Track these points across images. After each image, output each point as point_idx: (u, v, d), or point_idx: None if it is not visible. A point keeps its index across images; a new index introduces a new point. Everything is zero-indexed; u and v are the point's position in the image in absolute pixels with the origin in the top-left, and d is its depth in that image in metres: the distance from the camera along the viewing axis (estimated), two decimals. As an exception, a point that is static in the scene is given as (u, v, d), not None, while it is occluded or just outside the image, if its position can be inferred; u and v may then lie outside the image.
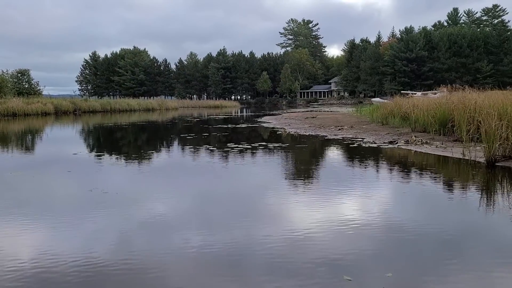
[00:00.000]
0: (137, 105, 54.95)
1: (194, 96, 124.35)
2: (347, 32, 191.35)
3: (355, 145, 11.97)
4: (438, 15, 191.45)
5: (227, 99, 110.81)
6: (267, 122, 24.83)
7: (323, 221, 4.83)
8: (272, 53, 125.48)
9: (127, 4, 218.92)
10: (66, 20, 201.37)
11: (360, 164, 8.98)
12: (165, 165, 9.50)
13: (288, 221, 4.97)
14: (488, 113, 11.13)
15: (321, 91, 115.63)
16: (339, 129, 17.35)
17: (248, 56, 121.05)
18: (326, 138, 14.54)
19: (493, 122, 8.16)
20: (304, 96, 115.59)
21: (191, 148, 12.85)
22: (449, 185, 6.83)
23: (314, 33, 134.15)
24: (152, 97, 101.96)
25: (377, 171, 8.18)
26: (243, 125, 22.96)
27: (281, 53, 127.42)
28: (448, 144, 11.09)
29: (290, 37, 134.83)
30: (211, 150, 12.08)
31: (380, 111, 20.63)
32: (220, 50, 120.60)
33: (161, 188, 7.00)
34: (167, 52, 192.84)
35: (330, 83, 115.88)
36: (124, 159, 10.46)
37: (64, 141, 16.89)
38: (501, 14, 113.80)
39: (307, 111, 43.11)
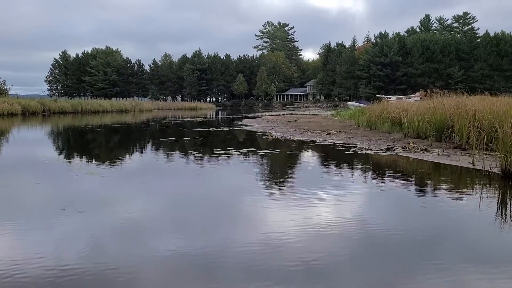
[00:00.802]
0: (110, 106, 53.08)
1: (169, 97, 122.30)
2: (322, 36, 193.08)
3: (350, 152, 11.23)
4: (411, 21, 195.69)
5: (202, 101, 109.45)
6: (249, 126, 23.95)
7: (336, 235, 4.00)
8: (248, 56, 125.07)
9: (101, 3, 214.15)
10: (36, 18, 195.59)
11: (362, 174, 8.22)
12: (149, 177, 8.44)
13: (307, 238, 4.11)
14: (488, 119, 10.66)
15: (297, 94, 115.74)
16: (327, 134, 16.64)
17: (224, 58, 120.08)
18: (316, 143, 13.77)
19: (509, 129, 7.54)
20: (280, 99, 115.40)
21: (174, 155, 11.85)
22: (466, 199, 6.12)
23: (290, 36, 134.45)
24: (125, 98, 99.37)
25: (383, 182, 7.42)
26: (225, 129, 22.01)
27: (257, 55, 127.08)
28: (450, 151, 10.49)
29: (266, 39, 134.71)
30: (197, 157, 11.12)
31: (366, 116, 20.08)
32: (196, 51, 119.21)
33: (149, 207, 6.01)
34: (141, 52, 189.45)
35: (306, 87, 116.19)
36: (102, 167, 9.36)
37: (31, 144, 15.54)
38: (471, 21, 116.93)
39: (286, 114, 42.50)
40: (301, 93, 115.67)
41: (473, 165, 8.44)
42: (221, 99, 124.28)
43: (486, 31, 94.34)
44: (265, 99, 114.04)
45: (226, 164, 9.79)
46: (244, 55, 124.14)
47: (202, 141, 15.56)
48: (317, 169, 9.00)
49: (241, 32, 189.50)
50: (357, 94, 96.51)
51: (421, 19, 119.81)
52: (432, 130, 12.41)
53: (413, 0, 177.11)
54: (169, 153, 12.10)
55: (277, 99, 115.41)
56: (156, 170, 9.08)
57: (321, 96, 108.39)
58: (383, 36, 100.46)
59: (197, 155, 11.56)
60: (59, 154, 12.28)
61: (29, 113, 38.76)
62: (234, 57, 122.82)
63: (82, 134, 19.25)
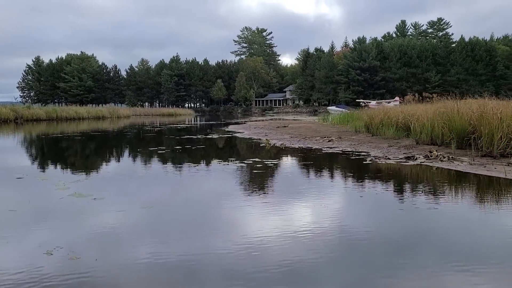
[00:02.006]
0: (86, 113, 50.89)
1: (146, 103, 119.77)
2: (299, 42, 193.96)
3: (368, 162, 10.10)
4: (386, 27, 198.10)
5: (180, 106, 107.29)
6: (239, 132, 22.66)
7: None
8: (227, 61, 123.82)
9: (75, 8, 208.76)
10: (8, 23, 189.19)
11: (402, 191, 7.07)
12: (154, 198, 7.09)
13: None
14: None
15: (276, 99, 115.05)
16: (328, 141, 15.52)
17: (202, 63, 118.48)
18: (323, 151, 12.60)
19: None
20: (259, 104, 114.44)
21: (175, 168, 10.47)
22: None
23: (268, 42, 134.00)
24: (101, 105, 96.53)
25: (433, 199, 6.28)
26: (215, 136, 20.64)
27: (236, 61, 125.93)
28: (481, 160, 9.48)
29: (245, 45, 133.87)
30: (202, 170, 9.80)
31: (363, 120, 19.09)
32: (173, 57, 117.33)
33: (164, 248, 4.68)
34: (117, 58, 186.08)
35: (285, 92, 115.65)
36: (90, 185, 7.92)
37: (2, 156, 13.85)
38: (445, 27, 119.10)
39: (271, 120, 41.35)
40: (280, 98, 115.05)
41: (522, 177, 7.42)
42: (199, 105, 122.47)
43: (461, 36, 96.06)
44: (244, 105, 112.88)
45: (241, 178, 8.50)
46: (222, 61, 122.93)
47: (196, 150, 14.18)
48: (347, 185, 7.79)
49: (219, 38, 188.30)
50: (336, 99, 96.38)
51: (397, 25, 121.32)
52: (452, 137, 11.42)
53: (388, 6, 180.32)
54: (168, 166, 10.72)
55: (256, 105, 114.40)
56: (159, 189, 7.71)
57: (301, 101, 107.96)
58: (361, 41, 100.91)
59: (200, 167, 10.23)
60: (37, 168, 10.73)
61: (0, 121, 36.47)
62: (212, 62, 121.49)
63: (59, 143, 17.57)
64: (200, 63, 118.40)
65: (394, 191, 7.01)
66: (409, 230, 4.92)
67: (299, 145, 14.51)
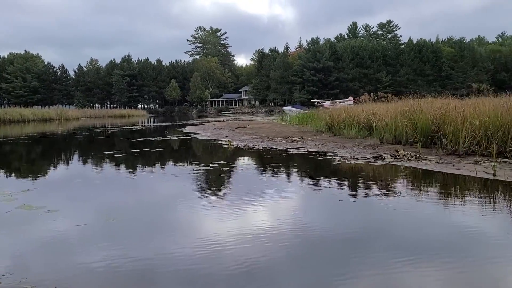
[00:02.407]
0: (32, 115, 48.15)
1: (96, 105, 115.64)
2: (254, 42, 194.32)
3: (337, 162, 9.88)
4: (338, 28, 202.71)
5: (133, 108, 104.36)
6: (198, 133, 22.01)
7: None
8: (181, 61, 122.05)
9: (18, 5, 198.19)
10: None
11: (373, 191, 6.84)
12: (118, 210, 6.43)
13: None
14: (482, 122, 9.86)
15: (232, 100, 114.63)
16: (292, 141, 15.27)
17: (156, 63, 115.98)
18: (289, 152, 12.30)
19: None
20: (214, 105, 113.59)
21: (136, 173, 9.77)
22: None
23: (222, 42, 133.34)
24: (47, 106, 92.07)
25: (406, 198, 6.08)
26: (173, 138, 19.87)
27: (190, 61, 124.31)
28: (449, 159, 9.50)
29: (199, 45, 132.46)
30: (167, 175, 9.19)
31: (324, 120, 19.05)
32: (125, 56, 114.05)
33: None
34: (65, 58, 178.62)
35: (241, 92, 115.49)
36: (41, 195, 7.13)
37: None
38: (394, 29, 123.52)
39: (229, 120, 40.84)
40: (236, 99, 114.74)
41: (493, 176, 7.42)
42: (153, 106, 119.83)
43: (409, 38, 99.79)
44: (199, 105, 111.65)
45: (205, 181, 7.97)
46: (176, 61, 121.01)
47: (155, 153, 13.46)
48: (318, 187, 7.47)
49: (172, 37, 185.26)
50: (291, 99, 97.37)
51: (349, 26, 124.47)
52: (417, 136, 11.46)
53: (339, 8, 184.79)
54: (126, 171, 9.98)
55: (212, 105, 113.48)
56: (119, 196, 7.04)
57: (256, 101, 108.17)
58: (315, 42, 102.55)
59: (161, 171, 9.61)
60: (-22, 176, 9.66)
61: None
62: (166, 62, 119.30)
63: (3, 148, 16.21)
64: (153, 63, 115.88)
65: (365, 192, 6.77)
66: (372, 228, 4.87)
67: (263, 146, 14.15)
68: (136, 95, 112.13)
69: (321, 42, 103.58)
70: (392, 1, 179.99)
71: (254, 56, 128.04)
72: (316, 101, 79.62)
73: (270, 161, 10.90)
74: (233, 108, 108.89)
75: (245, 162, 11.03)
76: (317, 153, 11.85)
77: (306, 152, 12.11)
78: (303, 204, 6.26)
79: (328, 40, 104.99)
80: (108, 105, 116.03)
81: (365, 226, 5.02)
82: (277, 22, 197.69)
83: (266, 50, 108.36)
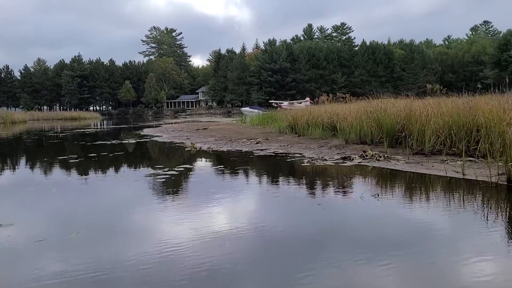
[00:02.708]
0: (-26, 118, 45.14)
1: (45, 107, 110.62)
2: (210, 43, 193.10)
3: (306, 164, 9.68)
4: (293, 30, 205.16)
5: (85, 110, 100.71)
6: (157, 136, 21.28)
7: None
8: (135, 62, 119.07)
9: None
10: None
11: (352, 193, 6.67)
12: (83, 225, 5.86)
13: None
14: (446, 121, 9.99)
15: (188, 101, 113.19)
16: (256, 143, 14.99)
17: (108, 64, 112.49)
18: (255, 154, 12.00)
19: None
20: (171, 106, 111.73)
21: (96, 179, 9.11)
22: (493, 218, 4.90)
23: (178, 42, 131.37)
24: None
25: (385, 204, 5.95)
26: (131, 141, 19.04)
27: (145, 61, 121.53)
28: (416, 158, 9.54)
29: (153, 45, 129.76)
30: (129, 180, 8.61)
31: (286, 121, 18.94)
32: (75, 56, 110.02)
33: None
34: (9, 58, 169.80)
35: (198, 93, 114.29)
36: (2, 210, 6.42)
37: None
38: (348, 31, 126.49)
39: (188, 122, 40.04)
40: (193, 100, 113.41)
41: (463, 174, 7.46)
42: (106, 108, 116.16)
43: (363, 40, 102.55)
44: (155, 107, 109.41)
45: (170, 187, 7.50)
46: (130, 61, 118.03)
47: (114, 158, 12.76)
48: (291, 190, 7.20)
49: (125, 37, 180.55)
50: (249, 99, 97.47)
51: (304, 28, 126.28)
52: (383, 135, 11.50)
53: (294, 10, 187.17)
54: (85, 178, 9.29)
55: (168, 107, 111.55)
56: (80, 206, 6.45)
57: (214, 103, 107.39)
58: (271, 43, 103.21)
59: (122, 177, 9.02)
60: None
61: None
62: (119, 63, 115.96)
63: None
64: (105, 63, 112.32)
65: (335, 193, 6.59)
66: (343, 228, 4.76)
67: (227, 148, 13.77)
68: (88, 97, 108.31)
69: (277, 43, 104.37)
70: (345, 4, 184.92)
71: (210, 57, 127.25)
72: (273, 102, 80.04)
73: (236, 163, 10.54)
74: (190, 109, 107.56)
75: (210, 165, 10.63)
76: (284, 154, 11.63)
77: (273, 154, 11.86)
78: (272, 206, 5.97)
79: (285, 41, 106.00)
80: (58, 107, 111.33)
81: (337, 227, 4.84)
82: (233, 23, 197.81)
83: (223, 51, 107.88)
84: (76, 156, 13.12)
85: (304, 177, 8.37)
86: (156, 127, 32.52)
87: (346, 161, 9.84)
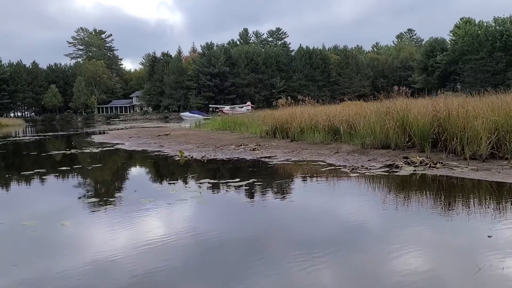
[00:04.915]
0: None
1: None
2: (141, 46, 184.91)
3: (352, 175, 8.12)
4: (228, 34, 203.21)
5: (5, 116, 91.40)
6: (117, 143, 18.61)
7: None
8: (61, 64, 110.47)
9: None
10: None
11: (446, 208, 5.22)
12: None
13: None
14: (496, 121, 8.98)
15: (122, 106, 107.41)
16: (252, 149, 13.19)
17: (31, 66, 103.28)
18: (271, 163, 10.20)
19: None
20: (102, 112, 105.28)
21: (122, 206, 6.84)
22: None
23: (108, 45, 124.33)
24: None
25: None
26: (94, 150, 16.23)
27: (72, 64, 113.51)
28: (474, 163, 8.35)
29: (81, 47, 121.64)
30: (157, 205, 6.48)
31: (270, 125, 17.28)
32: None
33: None
34: None
35: (132, 98, 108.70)
36: None
37: None
38: (283, 36, 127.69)
39: (134, 128, 36.80)
40: (126, 105, 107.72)
41: None
42: (29, 114, 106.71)
43: (300, 45, 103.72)
44: (85, 112, 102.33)
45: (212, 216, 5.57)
46: (56, 64, 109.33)
47: (96, 171, 10.31)
48: (377, 219, 5.59)
49: (49, 39, 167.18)
50: (187, 104, 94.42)
51: (240, 32, 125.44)
52: (412, 139, 10.27)
53: (227, 15, 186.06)
54: (83, 200, 6.98)
55: (99, 112, 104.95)
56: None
57: (149, 108, 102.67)
58: (209, 46, 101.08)
59: (146, 200, 6.84)
60: None
61: None
62: (43, 65, 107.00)
63: None
64: (28, 66, 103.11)
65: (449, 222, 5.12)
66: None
67: (226, 157, 11.83)
68: (8, 102, 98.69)
69: (215, 47, 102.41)
70: (278, 10, 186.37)
71: (143, 60, 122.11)
72: (214, 107, 78.02)
73: (266, 175, 8.68)
74: (123, 115, 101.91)
75: (240, 178, 8.69)
76: (305, 162, 10.01)
77: (291, 162, 10.18)
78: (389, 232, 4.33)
79: (223, 45, 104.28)
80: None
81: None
82: (165, 26, 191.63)
83: (158, 54, 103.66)
84: (44, 169, 10.43)
85: (383, 193, 6.80)
86: (101, 134, 29.32)
87: (395, 170, 8.42)
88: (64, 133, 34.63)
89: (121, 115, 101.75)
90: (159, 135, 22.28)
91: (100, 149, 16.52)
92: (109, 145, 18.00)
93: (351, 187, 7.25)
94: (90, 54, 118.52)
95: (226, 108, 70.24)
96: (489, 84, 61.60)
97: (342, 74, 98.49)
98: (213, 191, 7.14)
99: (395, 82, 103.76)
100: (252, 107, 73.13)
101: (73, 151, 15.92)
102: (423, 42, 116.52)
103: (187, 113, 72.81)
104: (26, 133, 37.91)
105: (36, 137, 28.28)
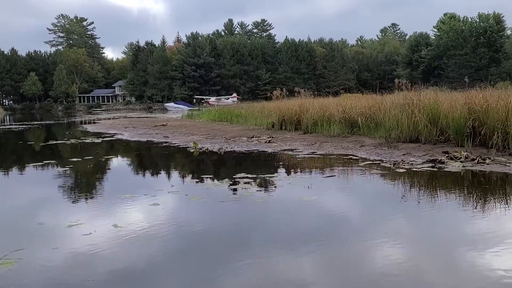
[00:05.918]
0: None
1: None
2: (123, 35, 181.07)
3: (400, 171, 7.59)
4: (212, 25, 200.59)
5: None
6: (116, 133, 17.72)
7: None
8: (41, 52, 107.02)
9: None
10: None
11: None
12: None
13: None
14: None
15: (104, 96, 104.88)
16: (268, 141, 12.56)
17: (9, 53, 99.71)
18: (299, 156, 9.62)
19: None
20: (84, 101, 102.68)
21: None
22: None
23: (89, 32, 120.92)
24: None
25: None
26: (96, 140, 15.32)
27: (52, 52, 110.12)
28: (526, 159, 7.94)
29: (61, 34, 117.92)
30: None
31: (276, 116, 16.65)
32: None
33: None
34: None
35: (114, 87, 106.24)
36: None
37: None
38: (268, 28, 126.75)
39: (128, 118, 35.59)
40: (109, 95, 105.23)
41: None
42: (7, 102, 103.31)
43: (286, 37, 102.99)
44: (65, 101, 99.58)
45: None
46: (35, 51, 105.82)
47: (141, 161, 9.54)
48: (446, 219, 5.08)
49: (28, 26, 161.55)
50: (172, 95, 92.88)
51: (225, 23, 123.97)
52: (449, 133, 9.81)
53: (211, 5, 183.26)
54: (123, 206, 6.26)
55: (80, 101, 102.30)
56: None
57: (133, 98, 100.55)
58: (194, 36, 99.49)
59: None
60: None
61: None
62: (22, 53, 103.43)
63: None
64: (6, 53, 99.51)
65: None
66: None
67: (243, 149, 11.17)
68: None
69: (200, 38, 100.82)
70: (263, 1, 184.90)
71: (126, 50, 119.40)
72: (200, 98, 76.79)
73: (308, 170, 8.07)
74: (105, 104, 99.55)
75: (281, 174, 8.03)
76: (335, 156, 9.44)
77: (320, 156, 9.60)
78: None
79: (208, 35, 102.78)
80: None
81: None
82: (147, 15, 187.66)
83: (142, 44, 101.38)
84: (78, 159, 9.59)
85: (445, 192, 6.27)
86: (92, 123, 28.19)
87: (440, 165, 7.93)
88: (49, 122, 33.27)
89: (103, 104, 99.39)
90: (156, 125, 21.42)
91: (102, 139, 15.60)
92: (107, 136, 17.09)
93: (416, 185, 6.71)
94: (71, 41, 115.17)
95: (212, 99, 69.04)
96: (473, 79, 62.44)
97: (328, 67, 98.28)
98: (265, 188, 6.50)
99: (379, 76, 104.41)
100: (238, 98, 72.26)
101: (73, 141, 14.99)
102: (407, 37, 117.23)
103: (172, 104, 71.31)
104: (5, 121, 36.33)
105: (24, 127, 26.97)
